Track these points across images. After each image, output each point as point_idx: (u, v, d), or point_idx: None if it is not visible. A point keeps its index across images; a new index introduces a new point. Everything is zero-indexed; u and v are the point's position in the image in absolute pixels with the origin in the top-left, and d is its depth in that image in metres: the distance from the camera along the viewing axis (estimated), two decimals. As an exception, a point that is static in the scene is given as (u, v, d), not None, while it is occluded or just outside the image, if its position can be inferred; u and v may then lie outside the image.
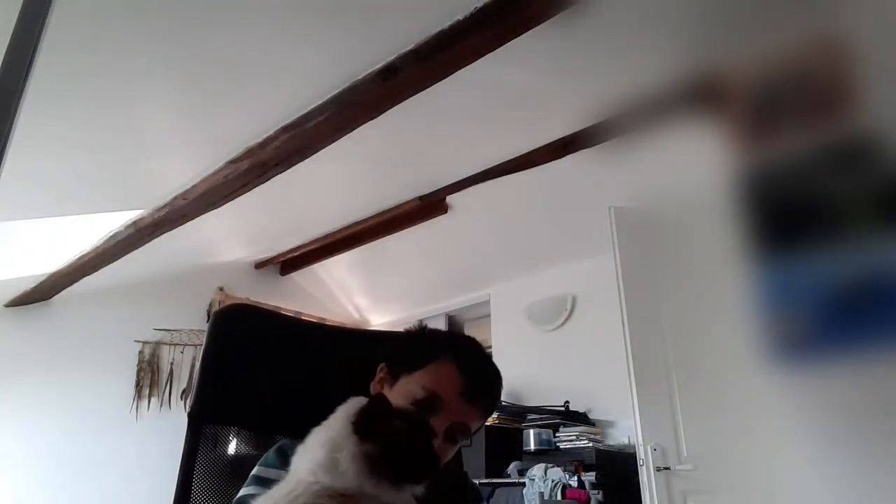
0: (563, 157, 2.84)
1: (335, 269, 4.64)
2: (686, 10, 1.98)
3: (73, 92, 2.13)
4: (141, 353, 3.99)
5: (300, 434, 0.87)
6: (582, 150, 2.78)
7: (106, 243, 3.16)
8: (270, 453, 0.94)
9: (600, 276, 3.21)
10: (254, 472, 0.92)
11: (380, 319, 5.17)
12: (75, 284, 3.57)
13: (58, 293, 3.70)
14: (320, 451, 0.67)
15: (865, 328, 1.29)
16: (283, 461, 0.88)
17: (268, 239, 4.18)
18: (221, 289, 4.35)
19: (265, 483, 0.87)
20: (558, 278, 4.03)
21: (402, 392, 0.97)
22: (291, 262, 4.54)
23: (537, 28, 1.86)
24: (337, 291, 4.97)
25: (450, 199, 3.51)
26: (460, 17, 1.84)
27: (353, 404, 0.73)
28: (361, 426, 0.64)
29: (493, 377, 1.02)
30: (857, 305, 1.29)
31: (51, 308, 3.75)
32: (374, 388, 1.04)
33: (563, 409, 3.47)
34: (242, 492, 0.89)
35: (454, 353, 1.00)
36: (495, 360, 1.03)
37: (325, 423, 0.73)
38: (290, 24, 1.94)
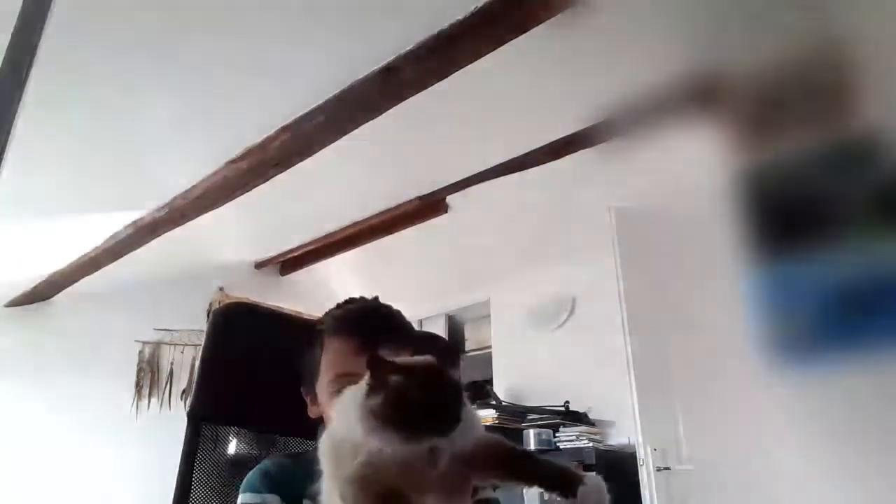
0: (562, 157, 2.84)
1: (335, 269, 4.64)
2: (686, 10, 1.98)
3: (73, 92, 2.13)
4: (141, 353, 3.98)
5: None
6: (582, 150, 2.78)
7: (106, 243, 3.16)
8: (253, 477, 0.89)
9: (600, 276, 3.20)
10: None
11: (380, 319, 5.15)
12: (75, 284, 3.57)
13: (58, 293, 3.70)
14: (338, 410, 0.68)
15: (865, 328, 1.29)
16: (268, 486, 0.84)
17: (268, 239, 4.18)
18: (221, 289, 4.34)
19: None
20: (558, 278, 4.02)
21: (328, 407, 0.86)
22: (291, 262, 4.54)
23: (537, 28, 1.86)
24: (337, 291, 4.96)
25: (450, 199, 3.50)
26: (460, 17, 1.85)
27: None
28: (368, 383, 0.63)
29: (376, 310, 0.91)
30: (857, 306, 1.29)
31: (51, 308, 3.74)
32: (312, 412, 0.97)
33: (563, 409, 3.47)
34: None
35: (327, 324, 0.89)
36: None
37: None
38: (291, 25, 1.94)
